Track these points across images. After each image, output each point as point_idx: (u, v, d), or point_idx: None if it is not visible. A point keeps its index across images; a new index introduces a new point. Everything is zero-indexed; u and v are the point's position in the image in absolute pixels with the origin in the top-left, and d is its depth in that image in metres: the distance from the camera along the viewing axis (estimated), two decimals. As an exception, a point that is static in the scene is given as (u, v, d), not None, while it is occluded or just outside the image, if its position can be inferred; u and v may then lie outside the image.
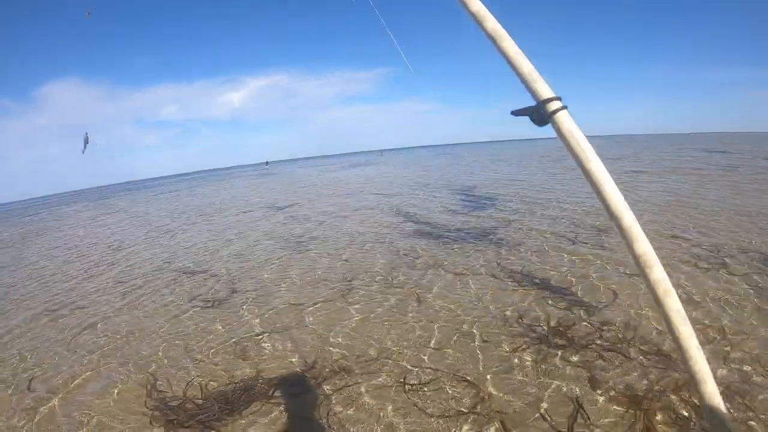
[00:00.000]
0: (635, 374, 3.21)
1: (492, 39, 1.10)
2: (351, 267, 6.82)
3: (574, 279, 5.36)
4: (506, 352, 3.74)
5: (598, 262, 5.93)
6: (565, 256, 6.37)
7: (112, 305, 6.16)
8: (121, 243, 11.76)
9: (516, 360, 3.60)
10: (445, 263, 6.48)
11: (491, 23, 1.11)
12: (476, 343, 4.00)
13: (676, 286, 3.90)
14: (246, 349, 4.33)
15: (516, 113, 1.09)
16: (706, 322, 3.93)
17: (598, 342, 3.74)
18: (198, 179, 63.95)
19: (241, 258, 8.35)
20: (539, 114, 1.05)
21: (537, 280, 5.38)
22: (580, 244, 6.90)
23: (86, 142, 6.46)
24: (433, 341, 4.11)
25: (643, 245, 0.93)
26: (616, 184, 0.97)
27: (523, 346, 3.79)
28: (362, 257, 7.41)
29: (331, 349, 4.17)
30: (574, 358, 3.53)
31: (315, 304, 5.38)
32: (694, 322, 3.79)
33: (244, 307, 5.57)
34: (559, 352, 3.61)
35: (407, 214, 11.36)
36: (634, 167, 19.66)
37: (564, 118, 1.03)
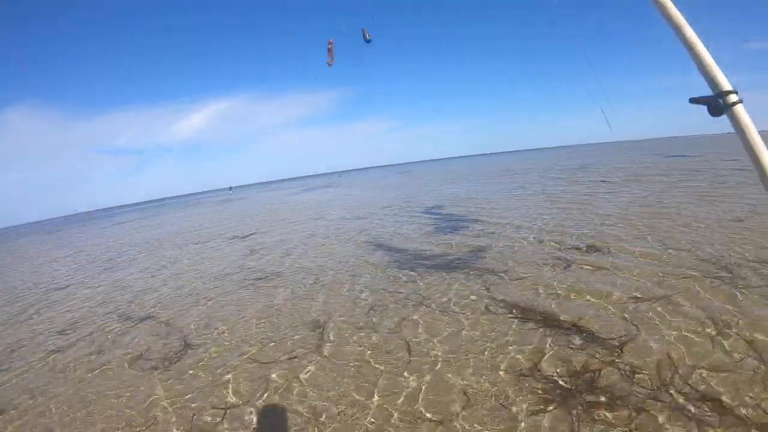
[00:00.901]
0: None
1: (674, 27, 1.13)
2: (323, 309, 5.79)
3: (580, 309, 4.71)
4: (523, 415, 3.02)
5: (602, 287, 5.29)
6: (563, 281, 5.68)
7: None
8: (51, 285, 11.01)
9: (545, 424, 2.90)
10: (430, 299, 5.66)
11: (674, 12, 1.13)
12: (489, 403, 3.23)
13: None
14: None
15: (694, 101, 1.11)
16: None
17: (636, 391, 3.11)
18: (160, 207, 61.11)
19: (191, 298, 7.40)
20: (717, 104, 1.08)
21: (539, 315, 4.69)
22: (577, 268, 6.17)
23: None
24: (430, 412, 3.24)
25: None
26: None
27: (546, 406, 3.09)
28: (334, 295, 6.45)
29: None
30: (611, 416, 2.89)
31: (284, 360, 4.41)
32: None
33: (191, 372, 4.44)
34: (595, 412, 2.95)
35: (376, 239, 10.48)
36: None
37: (741, 112, 1.07)
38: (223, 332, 5.41)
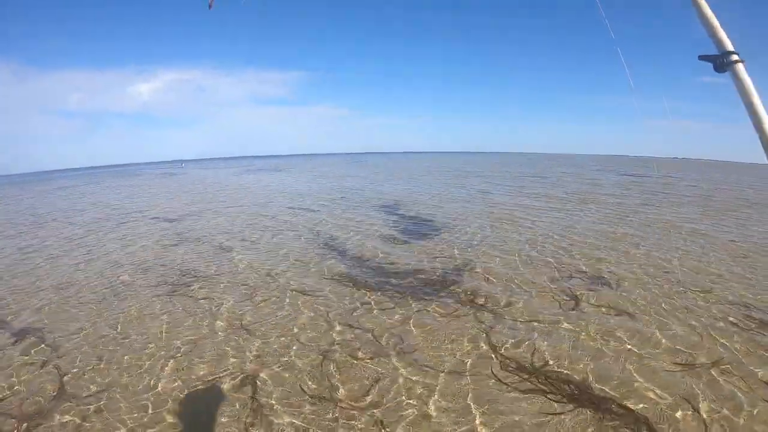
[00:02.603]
0: None
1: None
2: (264, 348, 4.51)
3: (612, 376, 3.75)
4: None
5: (635, 341, 4.36)
6: (576, 326, 4.75)
7: None
8: None
9: None
10: (408, 347, 4.42)
11: None
12: None
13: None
14: None
15: (702, 58, 1.29)
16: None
17: None
18: (102, 174, 55.98)
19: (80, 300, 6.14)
20: (721, 62, 1.25)
21: (560, 383, 3.67)
22: (587, 306, 5.32)
23: None
24: None
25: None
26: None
27: None
28: (279, 320, 5.24)
29: None
30: None
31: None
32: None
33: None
34: None
35: (331, 240, 9.43)
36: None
37: (741, 70, 1.24)
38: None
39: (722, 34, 1.26)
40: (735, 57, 1.24)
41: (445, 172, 35.17)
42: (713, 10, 1.26)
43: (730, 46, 1.25)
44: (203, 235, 10.41)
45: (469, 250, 8.27)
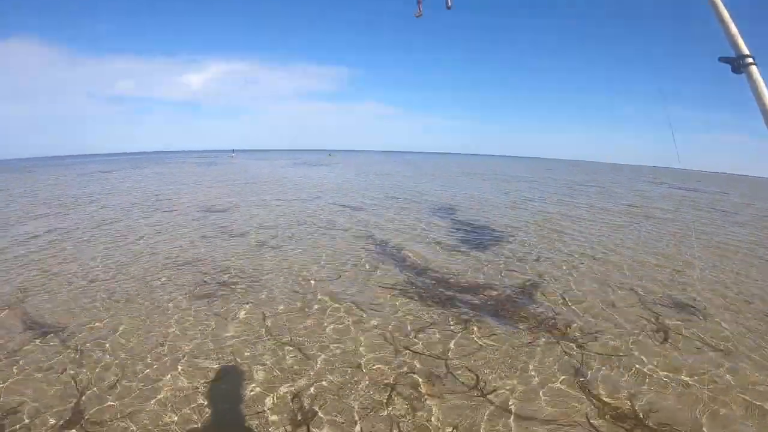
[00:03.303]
0: None
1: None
2: (317, 370, 3.98)
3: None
4: None
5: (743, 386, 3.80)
6: (673, 364, 4.17)
7: None
8: None
9: None
10: (488, 384, 3.77)
11: None
12: None
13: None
14: None
15: (721, 60, 1.41)
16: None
17: None
18: (149, 160, 59.44)
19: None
20: (738, 64, 1.37)
21: None
22: (679, 339, 4.72)
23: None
24: None
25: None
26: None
27: None
28: (332, 335, 4.69)
29: None
30: None
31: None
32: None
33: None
34: None
35: (383, 243, 8.86)
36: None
37: (755, 71, 1.36)
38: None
39: (739, 38, 1.38)
40: (750, 60, 1.35)
41: (490, 176, 34.37)
42: (731, 17, 1.38)
43: (745, 49, 1.37)
44: (246, 230, 10.05)
45: (533, 264, 7.58)
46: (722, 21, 1.41)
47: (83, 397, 3.50)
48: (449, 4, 6.19)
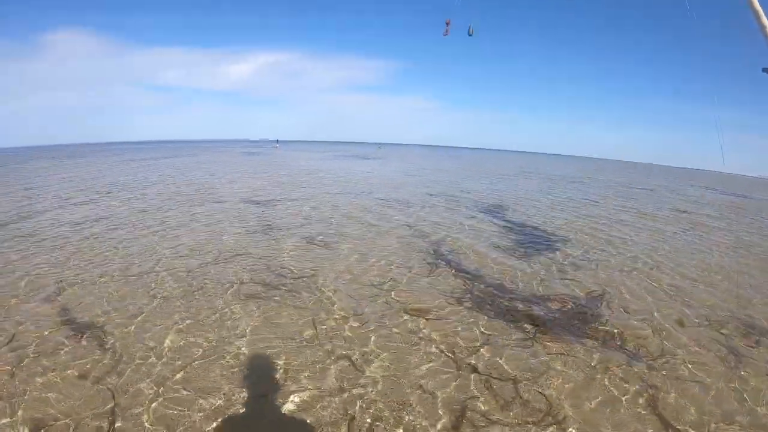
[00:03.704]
0: None
1: (753, 11, 1.21)
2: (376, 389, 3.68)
3: None
4: None
5: None
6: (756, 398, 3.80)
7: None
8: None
9: None
10: (562, 414, 3.45)
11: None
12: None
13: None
14: None
15: (765, 70, 1.42)
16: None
17: None
18: (195, 148, 63.01)
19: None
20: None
21: None
22: (754, 364, 4.37)
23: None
24: None
25: None
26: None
27: None
28: (390, 349, 4.37)
29: None
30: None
31: None
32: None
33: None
34: None
35: (438, 243, 8.63)
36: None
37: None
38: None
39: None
40: (791, 69, 1.10)
41: (538, 174, 32.82)
42: None
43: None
44: (293, 225, 9.83)
45: (592, 272, 7.17)
46: (764, 31, 1.12)
47: (120, 403, 3.37)
48: (471, 31, 6.50)
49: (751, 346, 4.71)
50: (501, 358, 4.24)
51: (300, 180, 20.05)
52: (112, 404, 3.36)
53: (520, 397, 3.62)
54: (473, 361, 4.17)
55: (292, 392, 3.58)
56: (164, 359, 4.03)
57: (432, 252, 8.02)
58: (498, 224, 11.08)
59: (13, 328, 4.57)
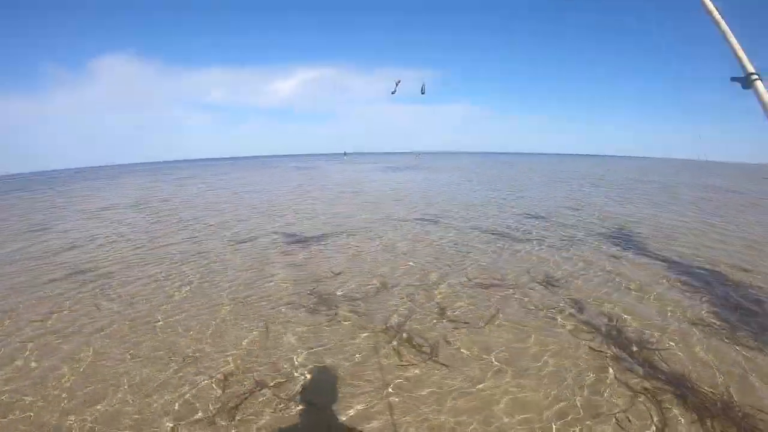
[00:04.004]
0: None
1: (714, 22, 1.70)
2: None
3: None
4: None
5: None
6: None
7: None
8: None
9: None
10: None
11: (713, 9, 1.72)
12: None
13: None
14: None
15: (733, 79, 1.68)
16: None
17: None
18: (248, 165, 65.13)
19: None
20: (746, 81, 1.63)
21: None
22: None
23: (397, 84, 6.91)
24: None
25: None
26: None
27: None
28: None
29: None
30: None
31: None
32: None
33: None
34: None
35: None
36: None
37: (760, 86, 1.60)
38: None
39: (745, 58, 1.62)
40: (755, 76, 1.60)
41: (612, 182, 27.88)
42: (738, 41, 1.62)
43: (751, 67, 1.61)
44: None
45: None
46: (731, 45, 1.66)
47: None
48: (423, 90, 7.24)
49: None
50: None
51: (359, 202, 16.77)
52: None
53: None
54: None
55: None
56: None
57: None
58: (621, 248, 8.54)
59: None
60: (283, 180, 30.32)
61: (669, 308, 5.52)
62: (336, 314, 5.46)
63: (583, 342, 4.62)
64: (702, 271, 7.10)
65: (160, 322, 5.30)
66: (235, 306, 5.81)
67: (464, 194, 19.60)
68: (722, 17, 1.70)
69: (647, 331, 4.86)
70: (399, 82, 6.99)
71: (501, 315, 5.36)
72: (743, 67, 1.65)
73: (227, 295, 6.26)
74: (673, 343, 4.55)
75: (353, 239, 9.77)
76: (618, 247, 8.77)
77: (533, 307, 5.59)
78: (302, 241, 9.66)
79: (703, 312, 5.39)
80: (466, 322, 5.13)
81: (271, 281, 6.85)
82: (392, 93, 7.06)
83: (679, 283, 6.50)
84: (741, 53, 1.66)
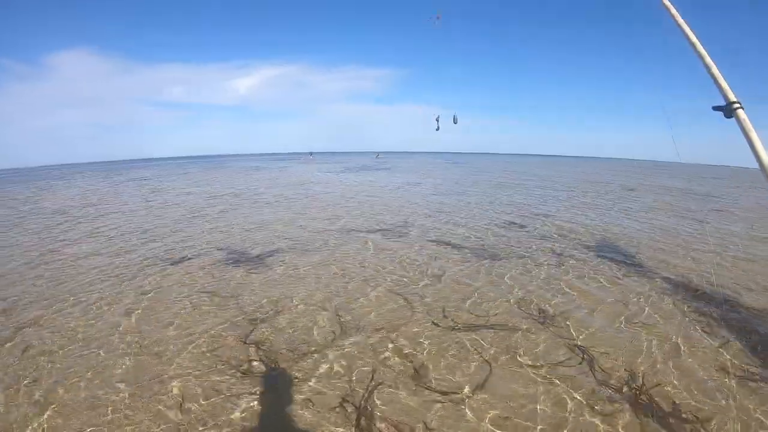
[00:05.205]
0: None
1: (698, 56, 1.70)
2: None
3: None
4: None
5: None
6: None
7: None
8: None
9: None
10: None
11: (696, 42, 1.72)
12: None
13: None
14: None
15: (714, 108, 1.67)
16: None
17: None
18: (208, 164, 62.62)
19: None
20: (728, 110, 1.63)
21: None
22: None
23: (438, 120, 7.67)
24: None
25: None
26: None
27: None
28: None
29: None
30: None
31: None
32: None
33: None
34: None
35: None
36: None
37: (742, 115, 1.61)
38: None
39: (727, 88, 1.63)
40: (737, 105, 1.61)
41: (588, 183, 28.12)
42: (719, 69, 1.63)
43: (732, 96, 1.62)
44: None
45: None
46: (713, 75, 1.67)
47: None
48: (455, 120, 7.89)
49: None
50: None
51: (326, 206, 16.13)
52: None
53: None
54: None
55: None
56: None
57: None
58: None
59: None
60: (225, 183, 28.71)
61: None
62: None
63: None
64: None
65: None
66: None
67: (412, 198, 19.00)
68: (704, 48, 1.71)
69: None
70: (438, 117, 7.75)
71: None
72: (725, 96, 1.65)
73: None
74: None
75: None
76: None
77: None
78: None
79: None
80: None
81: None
82: (436, 130, 7.78)
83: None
84: (723, 82, 1.66)
